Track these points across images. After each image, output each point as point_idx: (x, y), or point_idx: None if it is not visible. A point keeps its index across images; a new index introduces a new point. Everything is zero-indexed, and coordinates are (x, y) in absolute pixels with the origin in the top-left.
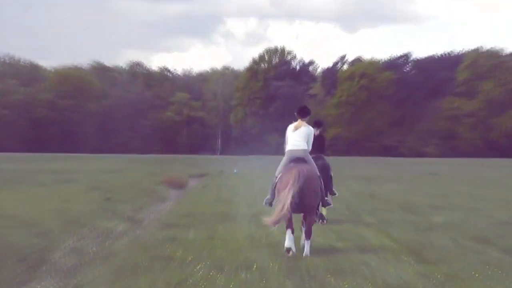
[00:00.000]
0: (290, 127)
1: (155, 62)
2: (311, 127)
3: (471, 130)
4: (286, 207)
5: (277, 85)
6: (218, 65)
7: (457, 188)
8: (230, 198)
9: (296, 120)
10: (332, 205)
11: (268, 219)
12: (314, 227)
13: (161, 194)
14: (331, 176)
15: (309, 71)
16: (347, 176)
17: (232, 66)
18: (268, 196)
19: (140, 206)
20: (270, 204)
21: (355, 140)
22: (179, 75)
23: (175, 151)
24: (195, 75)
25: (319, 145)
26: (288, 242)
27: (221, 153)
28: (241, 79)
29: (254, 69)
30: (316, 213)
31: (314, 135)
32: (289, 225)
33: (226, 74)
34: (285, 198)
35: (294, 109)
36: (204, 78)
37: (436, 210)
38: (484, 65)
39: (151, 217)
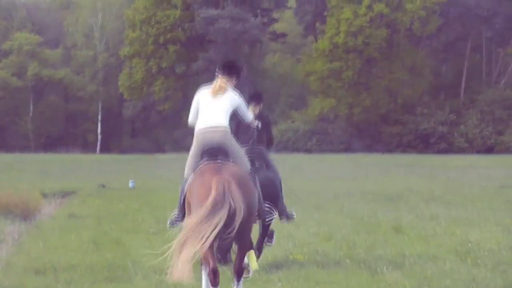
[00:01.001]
0: (205, 92)
1: None
2: (238, 95)
3: None
4: (202, 243)
5: (209, 16)
6: None
7: None
8: (119, 236)
9: (215, 81)
10: (294, 217)
11: (173, 270)
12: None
13: None
14: (280, 191)
15: None
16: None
17: None
18: (175, 213)
19: None
20: (177, 224)
21: (364, 122)
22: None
23: (12, 147)
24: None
25: (259, 134)
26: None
27: (101, 151)
28: (138, 6)
29: None
30: (265, 232)
31: (255, 115)
32: (207, 259)
33: None
34: (200, 231)
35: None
36: (66, 3)
37: None
38: None
39: None
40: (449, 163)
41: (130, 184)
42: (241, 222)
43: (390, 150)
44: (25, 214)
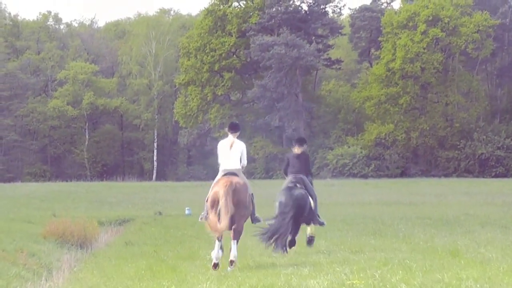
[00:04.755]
0: (224, 144)
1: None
2: (242, 143)
3: None
4: (224, 223)
5: (264, 43)
6: (147, 7)
7: None
8: (176, 263)
9: (227, 136)
10: (325, 224)
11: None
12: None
13: (42, 259)
14: (310, 207)
15: (326, 15)
16: None
17: (174, 8)
18: (203, 212)
19: None
20: (206, 219)
21: (421, 146)
22: (71, 28)
23: (69, 176)
24: (103, 27)
25: (301, 167)
26: (217, 255)
27: (157, 178)
28: (193, 34)
29: (217, 11)
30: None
31: (296, 154)
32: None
33: (163, 23)
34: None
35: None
36: (120, 33)
37: None
38: None
39: None
40: (506, 187)
41: (187, 212)
42: (238, 207)
43: (446, 175)
44: (82, 242)
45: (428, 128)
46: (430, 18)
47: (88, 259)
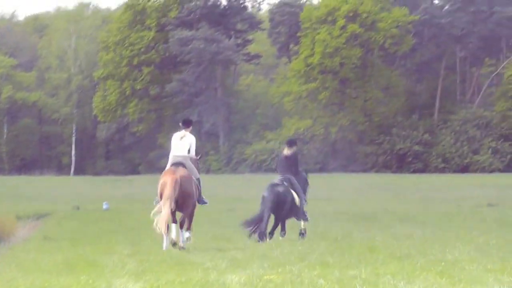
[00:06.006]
0: (176, 136)
1: None
2: (192, 136)
3: None
4: (164, 217)
5: (183, 38)
6: (67, 1)
7: None
8: (94, 258)
9: (180, 130)
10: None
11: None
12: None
13: None
14: (294, 204)
15: (245, 10)
16: None
17: (93, 2)
18: (157, 197)
19: None
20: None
21: (340, 142)
22: None
23: None
24: (22, 20)
25: (289, 166)
26: (174, 234)
27: (76, 173)
28: (112, 28)
29: (136, 6)
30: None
31: (285, 155)
32: (172, 220)
33: (82, 18)
34: (164, 207)
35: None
36: (40, 27)
37: None
38: None
39: None
40: (424, 183)
41: (104, 206)
42: (183, 198)
43: (365, 170)
44: None
45: (347, 123)
46: (349, 13)
47: (5, 253)
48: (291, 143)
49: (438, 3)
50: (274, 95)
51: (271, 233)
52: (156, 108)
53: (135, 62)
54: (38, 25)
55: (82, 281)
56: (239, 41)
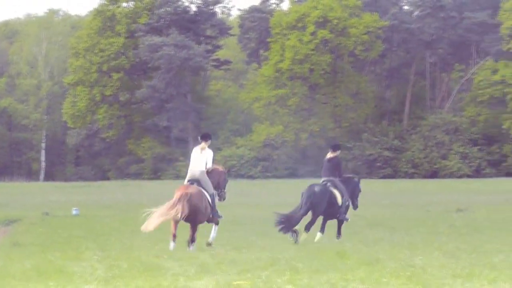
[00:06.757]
0: (196, 150)
1: None
2: (210, 150)
3: None
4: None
5: (153, 44)
6: (36, 8)
7: None
8: (63, 264)
9: (200, 143)
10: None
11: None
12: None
13: None
14: (335, 204)
15: (215, 16)
16: None
17: (63, 9)
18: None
19: None
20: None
21: (310, 147)
22: None
23: None
24: None
25: (333, 170)
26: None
27: (46, 179)
28: (82, 35)
29: (106, 12)
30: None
31: (328, 158)
32: (173, 229)
33: (53, 24)
34: (166, 211)
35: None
36: (10, 33)
37: None
38: None
39: None
40: (393, 188)
41: (74, 212)
42: (190, 215)
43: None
44: None
45: (317, 129)
46: (320, 19)
47: None
48: (335, 147)
49: (408, 9)
50: (244, 100)
51: (307, 229)
52: (126, 114)
53: (105, 68)
54: (9, 31)
55: (52, 287)
56: (209, 47)
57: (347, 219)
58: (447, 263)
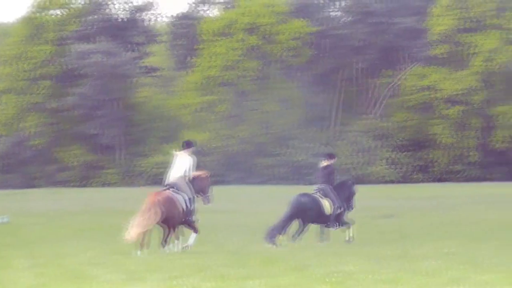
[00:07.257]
0: (176, 155)
1: None
2: (191, 157)
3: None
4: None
5: (81, 51)
6: None
7: None
8: None
9: (182, 150)
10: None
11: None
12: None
13: None
14: (322, 212)
15: (143, 23)
16: None
17: None
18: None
19: None
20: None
21: (239, 154)
22: None
23: None
24: None
25: (326, 178)
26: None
27: None
28: (11, 42)
29: (34, 20)
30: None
31: (323, 166)
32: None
33: None
34: (141, 220)
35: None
36: None
37: None
38: None
39: None
40: None
41: (3, 220)
42: (165, 218)
43: (263, 182)
44: None
45: (246, 135)
46: (248, 26)
47: None
48: (330, 156)
49: (336, 15)
50: (172, 107)
51: (295, 237)
52: (54, 122)
53: (33, 76)
54: None
55: None
56: (136, 54)
57: (335, 227)
58: (375, 269)
